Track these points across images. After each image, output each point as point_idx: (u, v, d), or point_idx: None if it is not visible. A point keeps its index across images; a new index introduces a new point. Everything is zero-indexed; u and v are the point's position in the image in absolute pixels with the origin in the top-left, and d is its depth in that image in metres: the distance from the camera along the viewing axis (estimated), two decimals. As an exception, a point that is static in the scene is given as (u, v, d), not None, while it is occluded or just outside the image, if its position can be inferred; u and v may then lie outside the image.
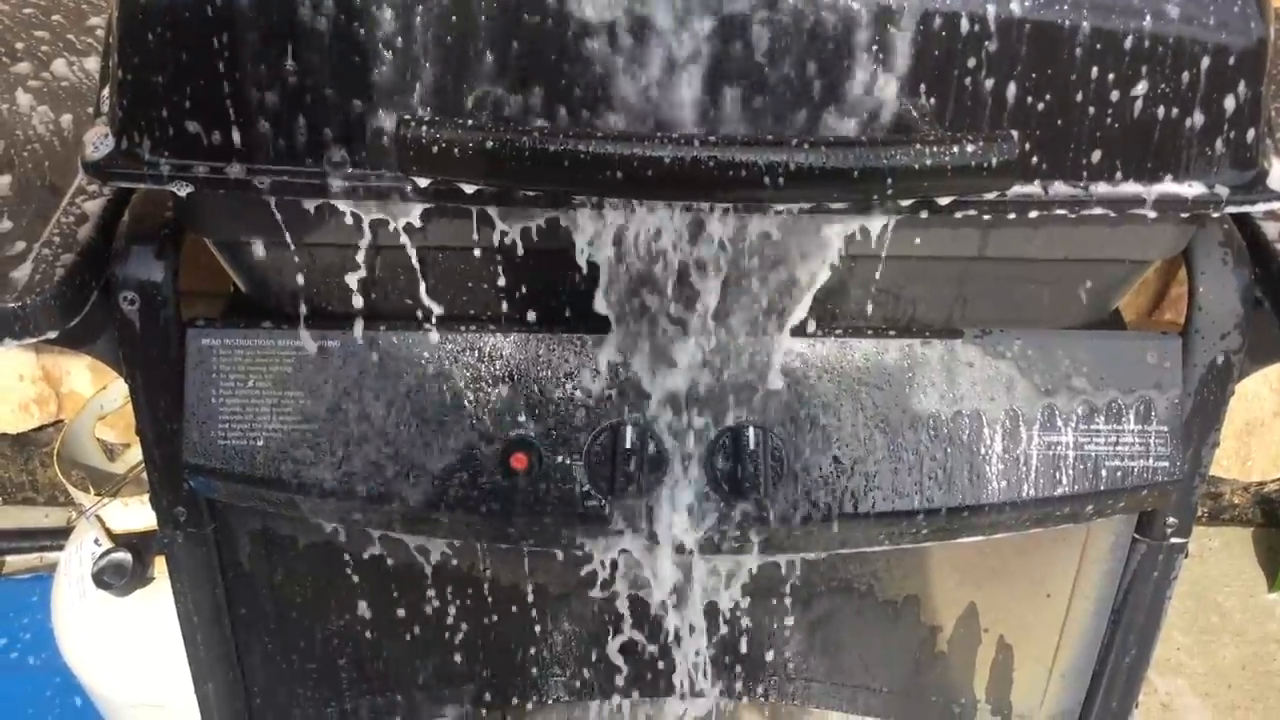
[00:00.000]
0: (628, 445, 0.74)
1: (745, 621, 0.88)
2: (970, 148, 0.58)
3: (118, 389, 1.11)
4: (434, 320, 0.75)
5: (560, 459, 0.76)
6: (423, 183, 0.63)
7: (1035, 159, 0.65)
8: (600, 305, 0.71)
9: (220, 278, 0.82)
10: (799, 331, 0.74)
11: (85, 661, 1.07)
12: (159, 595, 1.04)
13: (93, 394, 1.14)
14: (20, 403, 1.68)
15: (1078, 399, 0.78)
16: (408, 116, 0.59)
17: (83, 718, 1.39)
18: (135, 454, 1.10)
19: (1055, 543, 0.88)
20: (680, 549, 0.77)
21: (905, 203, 0.64)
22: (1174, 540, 0.86)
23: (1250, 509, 1.76)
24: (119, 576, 0.99)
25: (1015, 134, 0.59)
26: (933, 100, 0.63)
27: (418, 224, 0.68)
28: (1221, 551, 1.73)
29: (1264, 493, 1.74)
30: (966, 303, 0.77)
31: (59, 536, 1.74)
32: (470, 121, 0.58)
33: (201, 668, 0.89)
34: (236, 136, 0.65)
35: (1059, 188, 0.66)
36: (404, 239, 0.69)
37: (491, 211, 0.68)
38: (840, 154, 0.57)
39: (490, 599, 0.89)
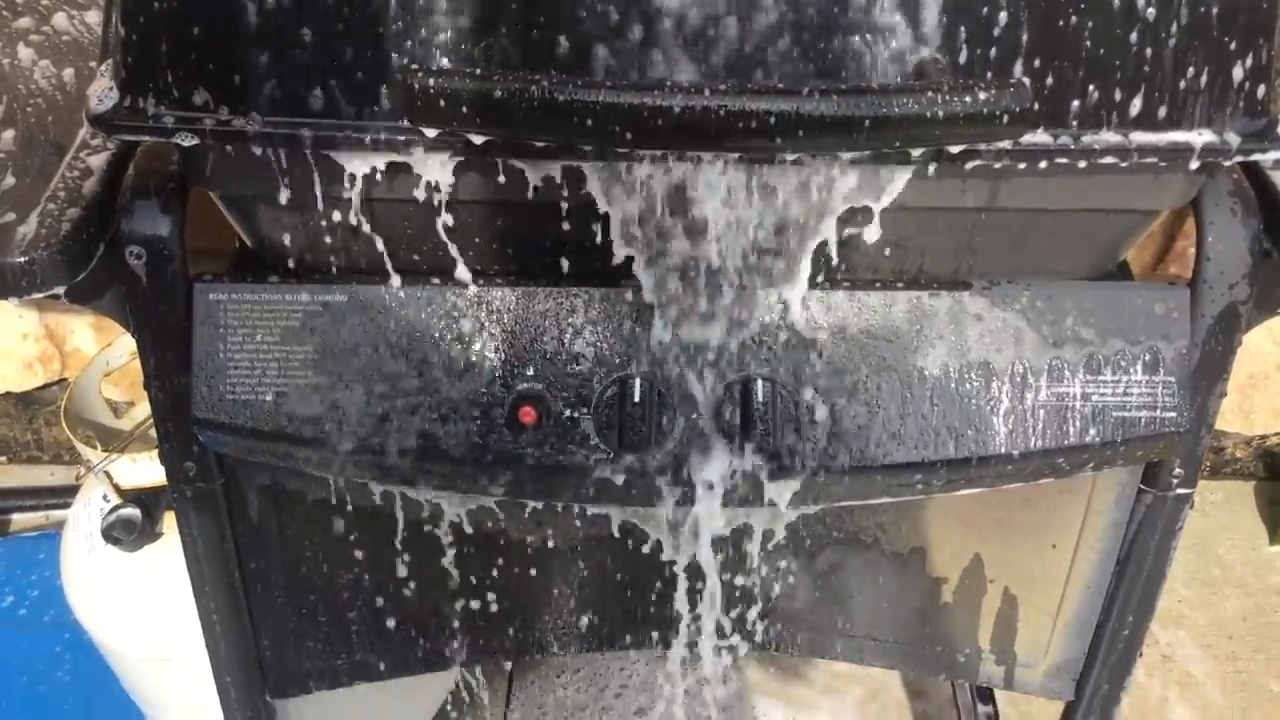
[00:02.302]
0: (636, 398, 0.74)
1: (752, 573, 0.89)
2: (983, 95, 0.58)
3: (123, 345, 1.11)
4: (442, 274, 0.75)
5: (569, 412, 0.76)
6: (431, 133, 0.62)
7: (1046, 108, 0.64)
8: (610, 258, 0.71)
9: (224, 234, 0.82)
10: (808, 284, 0.74)
11: (95, 616, 1.08)
12: (168, 550, 1.05)
13: (98, 351, 1.14)
14: (24, 361, 1.68)
15: (1085, 350, 0.78)
16: (415, 66, 0.58)
17: (92, 673, 1.40)
18: (141, 410, 1.10)
19: (1061, 494, 0.88)
20: (688, 501, 0.77)
21: (917, 152, 0.63)
22: (1179, 491, 0.86)
23: (1253, 462, 1.76)
24: (128, 532, 1.00)
25: (1028, 82, 0.59)
26: (943, 48, 0.63)
27: (425, 177, 0.68)
28: (1223, 505, 1.73)
29: (1266, 446, 1.74)
30: (975, 254, 0.77)
31: (65, 494, 1.74)
32: (478, 71, 0.58)
33: (211, 622, 0.89)
34: (241, 88, 0.64)
35: (1069, 137, 0.66)
36: (413, 192, 0.68)
37: (498, 163, 0.67)
38: (851, 102, 0.57)
39: (496, 551, 0.89)
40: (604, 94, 0.56)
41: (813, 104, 0.57)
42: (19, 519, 1.73)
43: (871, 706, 1.47)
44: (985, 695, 1.39)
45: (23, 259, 0.69)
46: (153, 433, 1.08)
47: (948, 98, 0.58)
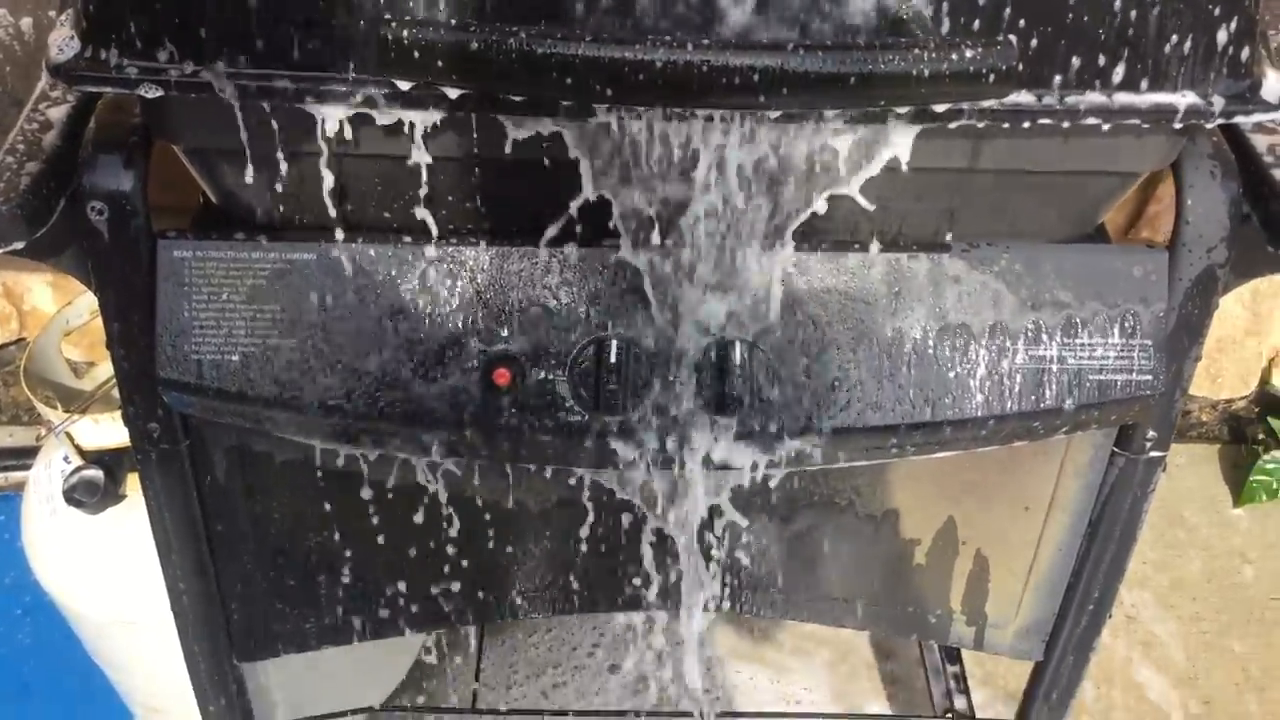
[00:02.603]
0: (613, 360, 0.73)
1: (726, 536, 0.88)
2: (969, 54, 0.57)
3: (84, 304, 1.08)
4: (414, 232, 0.73)
5: (543, 374, 0.75)
6: (404, 86, 0.60)
7: (1031, 68, 0.63)
8: (587, 217, 0.70)
9: (186, 190, 0.80)
10: (780, 246, 0.73)
11: (58, 580, 1.06)
12: (132, 513, 1.03)
13: (57, 310, 1.12)
14: (-19, 320, 1.65)
15: (1063, 313, 0.78)
16: (389, 17, 0.56)
17: (54, 635, 1.38)
18: (103, 371, 1.08)
19: (1035, 456, 0.88)
20: (664, 463, 0.77)
21: (901, 111, 0.62)
22: (1152, 454, 0.86)
23: (1218, 426, 1.78)
24: (91, 494, 0.98)
25: (1014, 40, 0.58)
26: (928, 4, 0.62)
27: (398, 132, 0.66)
28: (1188, 468, 1.75)
29: (1231, 410, 1.76)
30: (954, 216, 0.76)
31: (24, 456, 1.71)
32: (454, 22, 0.56)
33: (177, 585, 0.88)
34: (208, 38, 0.62)
35: (1053, 97, 0.65)
36: (384, 147, 0.66)
37: (473, 118, 0.66)
38: (837, 59, 0.56)
39: (468, 513, 0.88)
40: (584, 47, 0.55)
41: (798, 60, 0.55)
42: (-24, 480, 1.71)
43: (841, 668, 1.48)
44: (953, 656, 1.40)
45: (-20, 213, 0.67)
46: (114, 393, 1.06)
47: (934, 55, 0.57)
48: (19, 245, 0.69)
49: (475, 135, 0.67)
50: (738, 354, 0.74)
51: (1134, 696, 1.46)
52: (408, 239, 0.74)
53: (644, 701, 1.25)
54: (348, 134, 0.66)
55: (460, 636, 1.40)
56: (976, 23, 0.62)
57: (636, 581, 0.92)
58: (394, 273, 0.74)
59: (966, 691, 1.36)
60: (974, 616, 0.98)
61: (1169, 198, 0.82)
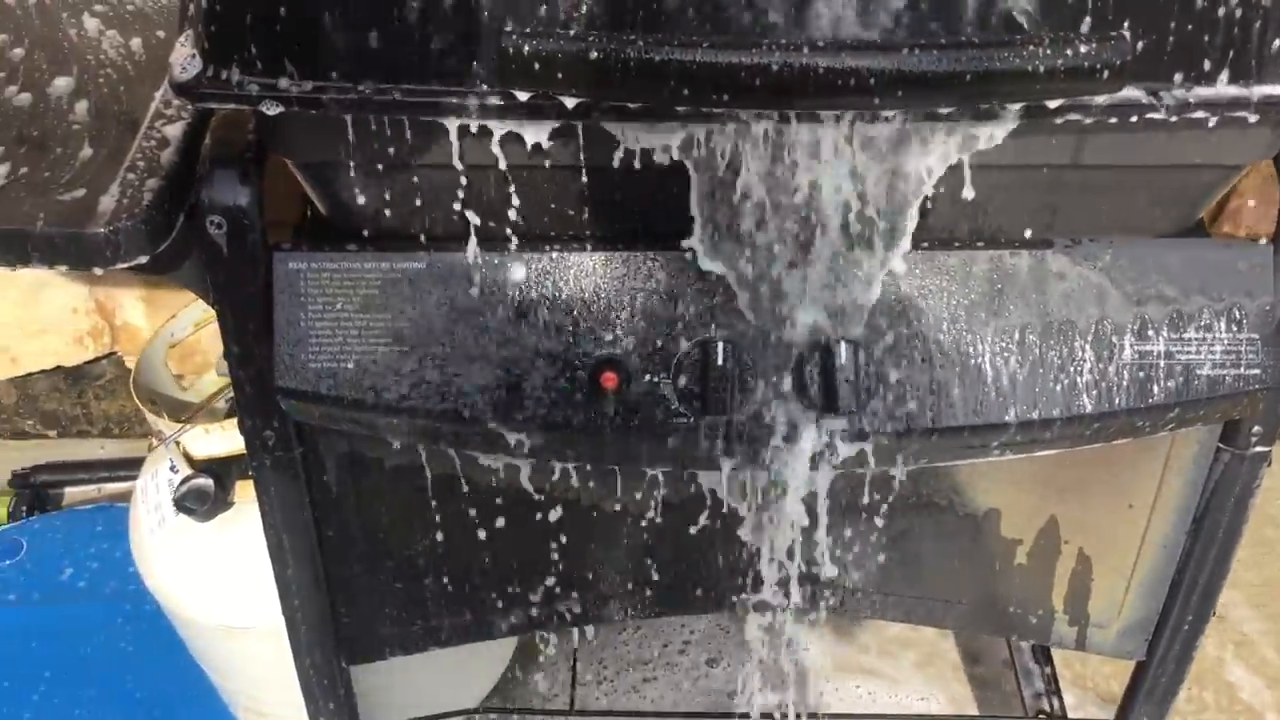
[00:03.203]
0: (719, 362, 0.74)
1: (828, 536, 0.89)
2: (1084, 49, 0.57)
3: (186, 318, 1.11)
4: (523, 239, 0.74)
5: (649, 377, 0.76)
6: (523, 96, 0.62)
7: (1140, 62, 0.63)
8: (692, 220, 0.71)
9: (290, 203, 0.82)
10: (889, 245, 0.74)
11: (167, 587, 1.09)
12: (239, 520, 1.05)
13: (149, 324, 1.15)
14: (75, 335, 1.69)
15: (1168, 308, 0.77)
16: (510, 29, 0.58)
17: (154, 643, 1.41)
18: (205, 382, 1.11)
19: (1139, 453, 0.87)
20: (768, 464, 0.77)
21: (1014, 107, 0.62)
22: (1258, 449, 0.86)
23: (1305, 422, 1.75)
24: (201, 502, 1.00)
25: (1127, 34, 0.58)
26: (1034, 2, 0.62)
27: (509, 142, 0.67)
28: (1277, 464, 1.72)
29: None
30: (1056, 212, 0.76)
31: (117, 468, 1.76)
32: (573, 33, 0.57)
33: (289, 590, 0.90)
34: (327, 55, 0.64)
35: (1163, 91, 0.65)
36: (496, 158, 0.68)
37: (585, 126, 0.67)
38: (952, 58, 0.56)
39: (573, 516, 0.89)
40: (701, 53, 0.56)
41: (913, 60, 0.56)
42: (72, 493, 1.75)
43: (928, 670, 1.47)
44: (1043, 657, 1.39)
45: (106, 230, 0.69)
46: (218, 404, 1.09)
47: (1049, 51, 0.57)
48: (143, 260, 0.71)
49: (584, 143, 0.68)
50: (842, 354, 0.74)
51: (1227, 697, 1.44)
52: (514, 246, 0.75)
53: (738, 702, 1.25)
54: (460, 145, 0.68)
55: (554, 635, 1.41)
56: (1086, 16, 0.62)
57: (736, 583, 0.93)
58: (502, 280, 0.75)
59: (1058, 692, 1.35)
60: (1076, 616, 0.97)
61: (1250, 191, 0.81)
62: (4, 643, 1.45)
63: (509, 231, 0.74)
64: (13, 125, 0.77)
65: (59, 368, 1.76)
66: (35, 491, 1.71)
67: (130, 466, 1.75)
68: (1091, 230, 0.77)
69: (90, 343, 1.71)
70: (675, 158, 0.68)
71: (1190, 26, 0.63)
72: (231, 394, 1.10)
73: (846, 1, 0.60)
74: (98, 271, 0.71)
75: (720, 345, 0.74)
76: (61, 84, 0.82)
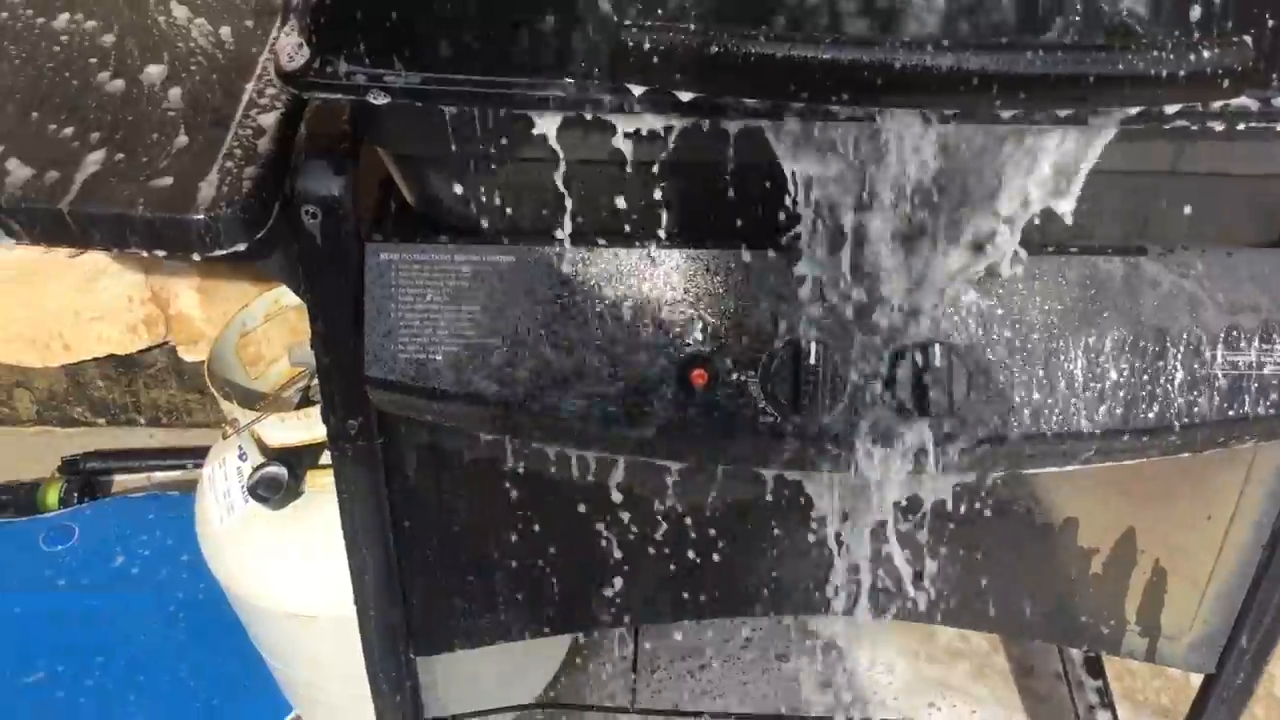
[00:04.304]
0: (810, 362, 0.74)
1: (907, 542, 0.88)
2: (1206, 54, 0.57)
3: (259, 307, 1.12)
4: (612, 235, 0.74)
5: (738, 375, 0.75)
6: (637, 91, 0.62)
7: (1262, 68, 0.63)
8: (787, 219, 0.71)
9: (375, 194, 0.82)
10: (983, 250, 0.73)
11: (236, 574, 1.09)
12: (309, 509, 1.06)
13: (223, 313, 1.15)
14: (129, 324, 1.70)
15: (1261, 318, 0.76)
16: (628, 22, 0.58)
17: (206, 631, 1.42)
18: (275, 371, 1.11)
19: (1221, 464, 0.87)
20: (855, 467, 0.77)
21: (1132, 111, 0.62)
22: (1341, 463, 0.85)
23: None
24: (273, 490, 1.01)
25: (1249, 40, 0.58)
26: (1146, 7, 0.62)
27: (611, 137, 0.67)
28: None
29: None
30: (1151, 219, 0.76)
31: (167, 456, 1.77)
32: (692, 27, 0.57)
33: (363, 579, 0.90)
34: (434, 47, 0.64)
35: (1275, 98, 0.64)
36: (600, 152, 0.68)
37: (690, 123, 0.67)
38: (1074, 60, 0.56)
39: (651, 514, 0.89)
40: (823, 50, 0.56)
41: (1035, 62, 0.56)
42: (121, 480, 1.76)
43: (980, 681, 1.46)
44: (1095, 669, 1.38)
45: (207, 216, 0.69)
46: (289, 394, 1.10)
47: (1170, 56, 0.56)
48: (240, 247, 0.71)
49: (685, 141, 0.68)
50: (936, 358, 0.73)
51: (1278, 713, 1.43)
52: (605, 241, 0.75)
53: (797, 701, 1.25)
54: (559, 140, 0.68)
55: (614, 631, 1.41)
56: (1196, 21, 0.62)
57: (809, 585, 0.93)
58: (592, 275, 0.75)
59: (1111, 706, 1.34)
60: (1148, 627, 0.96)
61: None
62: (56, 627, 1.46)
63: (601, 227, 0.74)
64: (107, 111, 0.78)
65: (111, 356, 1.77)
66: (86, 478, 1.72)
67: (179, 456, 1.76)
68: (1185, 238, 0.77)
69: (144, 331, 1.72)
70: (772, 156, 0.68)
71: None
72: (303, 383, 1.11)
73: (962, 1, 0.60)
74: (195, 258, 0.72)
75: (811, 345, 0.74)
76: (154, 71, 0.82)
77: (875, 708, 1.40)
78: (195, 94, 0.80)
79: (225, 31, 0.87)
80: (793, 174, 0.68)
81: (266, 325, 1.13)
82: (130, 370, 1.83)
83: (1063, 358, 0.75)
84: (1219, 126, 0.65)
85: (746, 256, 0.75)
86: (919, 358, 0.74)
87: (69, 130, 0.76)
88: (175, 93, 0.80)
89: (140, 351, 1.77)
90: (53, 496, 1.66)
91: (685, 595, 0.94)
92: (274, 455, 1.02)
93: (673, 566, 0.92)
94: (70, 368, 1.80)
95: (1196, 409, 0.76)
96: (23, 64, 0.83)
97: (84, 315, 1.70)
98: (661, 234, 0.75)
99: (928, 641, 1.49)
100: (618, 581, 0.92)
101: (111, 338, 1.73)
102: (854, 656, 1.46)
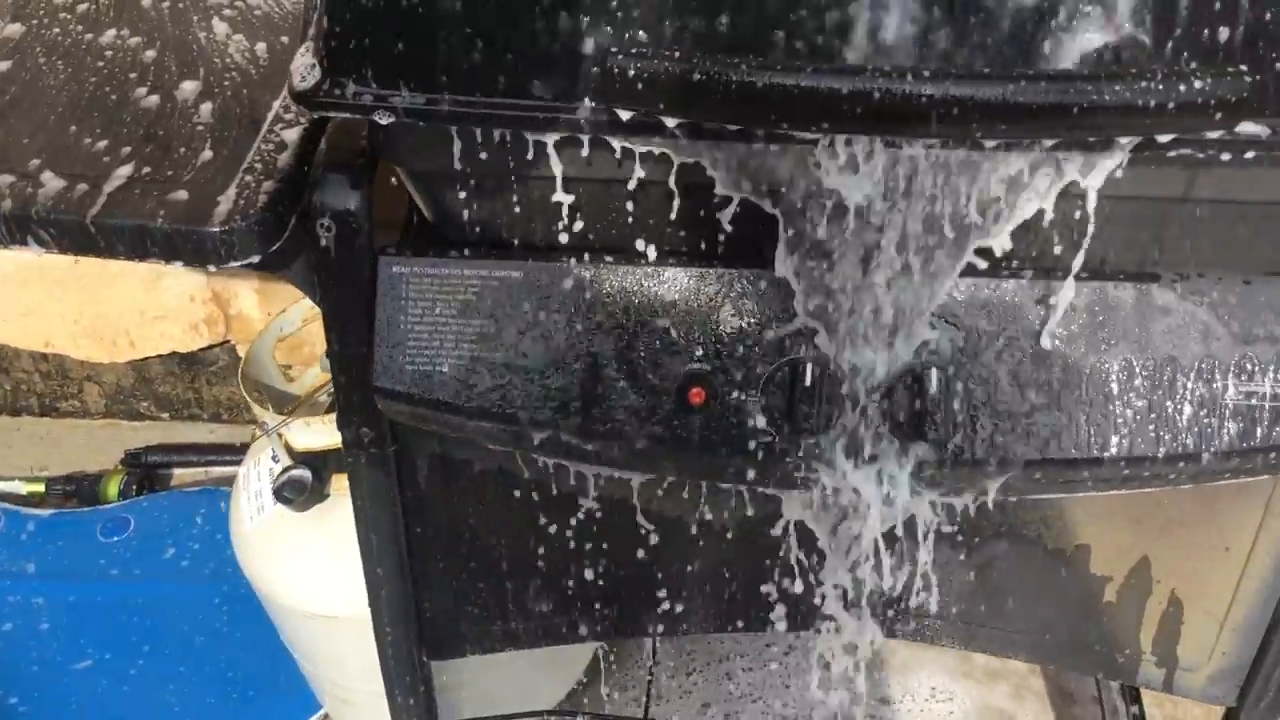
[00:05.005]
0: (807, 383, 0.74)
1: (912, 563, 0.88)
2: (1198, 84, 0.56)
3: (295, 312, 1.15)
4: (617, 252, 0.75)
5: (736, 394, 0.76)
6: (625, 115, 0.63)
7: (1257, 97, 0.62)
8: (783, 241, 0.71)
9: (393, 207, 0.84)
10: (986, 272, 0.73)
11: (262, 572, 1.12)
12: (334, 511, 1.08)
13: (263, 315, 1.18)
14: (190, 323, 1.76)
15: (1275, 348, 0.75)
16: (615, 49, 0.59)
17: (248, 625, 1.46)
18: (310, 376, 1.14)
19: (1240, 495, 0.85)
20: (852, 488, 0.77)
21: (1125, 141, 0.62)
22: (1364, 496, 0.83)
23: None
24: (298, 492, 1.04)
25: (1245, 69, 0.57)
26: (1144, 30, 0.61)
27: (609, 157, 0.68)
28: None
29: None
30: (1163, 246, 0.75)
31: (224, 452, 1.82)
32: (677, 54, 0.58)
33: (377, 583, 0.92)
34: (437, 70, 0.66)
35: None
36: (601, 173, 0.69)
37: (672, 148, 0.67)
38: (1059, 89, 0.56)
39: (657, 527, 0.90)
40: (803, 78, 0.56)
41: (1019, 90, 0.55)
42: (180, 474, 1.82)
43: (1016, 702, 1.45)
44: (1132, 696, 1.36)
45: (221, 229, 0.72)
46: (320, 398, 1.12)
47: (1160, 86, 0.56)
48: (254, 259, 0.74)
49: (683, 162, 0.69)
50: (934, 381, 0.73)
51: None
52: (609, 259, 0.76)
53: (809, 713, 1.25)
54: (560, 159, 0.69)
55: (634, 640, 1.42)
56: (1197, 49, 0.61)
57: (809, 604, 0.93)
58: (595, 292, 0.76)
59: (1147, 733, 1.32)
60: (1165, 658, 0.95)
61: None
62: (107, 616, 1.51)
63: (605, 244, 0.75)
64: (140, 125, 0.81)
65: (174, 353, 1.83)
66: (146, 471, 1.78)
67: (237, 451, 1.81)
68: (1199, 265, 0.75)
69: (205, 330, 1.78)
70: (769, 182, 0.68)
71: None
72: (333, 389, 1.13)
73: (951, 30, 0.60)
74: (212, 268, 0.74)
75: (809, 366, 0.74)
76: (189, 87, 0.85)
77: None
78: (225, 109, 0.83)
79: (261, 48, 0.90)
80: (785, 196, 0.69)
81: (311, 328, 1.16)
82: (193, 367, 1.88)
83: (1067, 383, 0.75)
84: (1226, 156, 0.64)
85: (748, 276, 0.75)
86: (918, 381, 0.74)
87: (103, 144, 0.79)
88: (206, 108, 0.83)
89: (203, 349, 1.83)
90: (113, 488, 1.72)
91: (691, 609, 0.95)
92: (300, 458, 1.05)
93: (678, 580, 0.93)
94: (136, 364, 1.86)
95: (1206, 439, 0.75)
96: (68, 79, 0.87)
97: (148, 314, 1.76)
98: (662, 252, 0.76)
99: (964, 660, 1.48)
100: (624, 593, 0.93)
101: (174, 336, 1.79)
102: (883, 677, 1.45)
